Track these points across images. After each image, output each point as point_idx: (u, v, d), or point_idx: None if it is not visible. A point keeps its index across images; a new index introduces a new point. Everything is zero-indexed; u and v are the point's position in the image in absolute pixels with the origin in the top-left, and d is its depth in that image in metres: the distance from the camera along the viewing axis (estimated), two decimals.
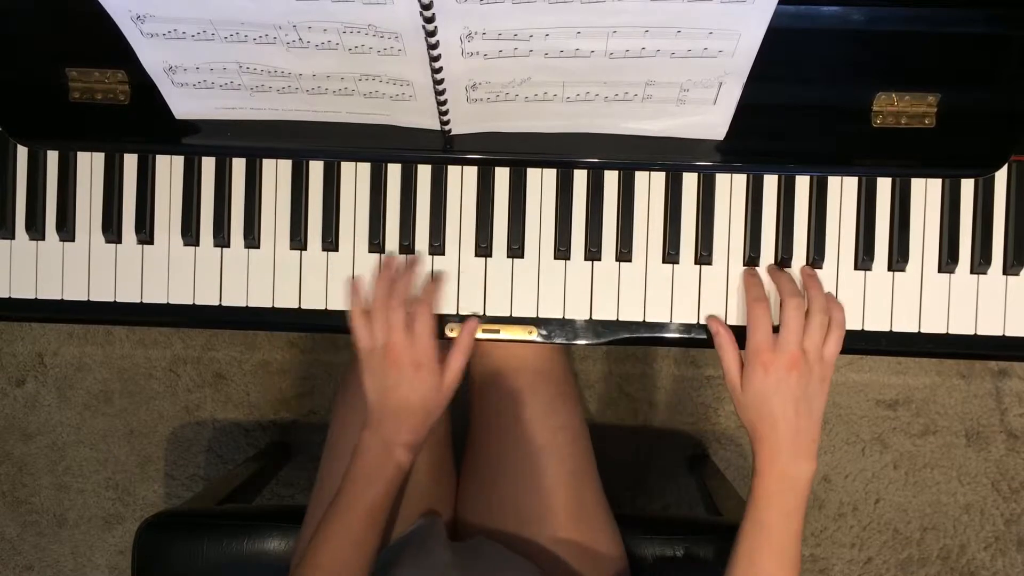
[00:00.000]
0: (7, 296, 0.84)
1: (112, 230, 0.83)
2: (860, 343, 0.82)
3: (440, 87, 0.71)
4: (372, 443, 0.80)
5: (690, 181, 0.82)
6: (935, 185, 0.81)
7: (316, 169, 0.83)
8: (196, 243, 0.83)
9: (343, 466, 0.81)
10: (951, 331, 0.81)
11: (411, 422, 0.80)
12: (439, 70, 0.69)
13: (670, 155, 0.78)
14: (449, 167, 0.82)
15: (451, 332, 0.82)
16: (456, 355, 0.81)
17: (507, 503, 0.94)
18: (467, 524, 0.97)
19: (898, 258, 0.81)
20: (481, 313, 0.82)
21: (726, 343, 0.79)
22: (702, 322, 0.82)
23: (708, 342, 0.81)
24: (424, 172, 0.83)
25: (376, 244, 0.82)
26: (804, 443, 0.75)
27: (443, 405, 0.82)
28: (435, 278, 0.83)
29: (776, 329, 0.76)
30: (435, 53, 0.67)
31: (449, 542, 0.90)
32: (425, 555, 0.85)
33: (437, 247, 0.82)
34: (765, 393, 0.75)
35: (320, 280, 0.83)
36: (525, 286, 0.82)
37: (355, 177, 0.83)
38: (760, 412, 0.75)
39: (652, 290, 0.82)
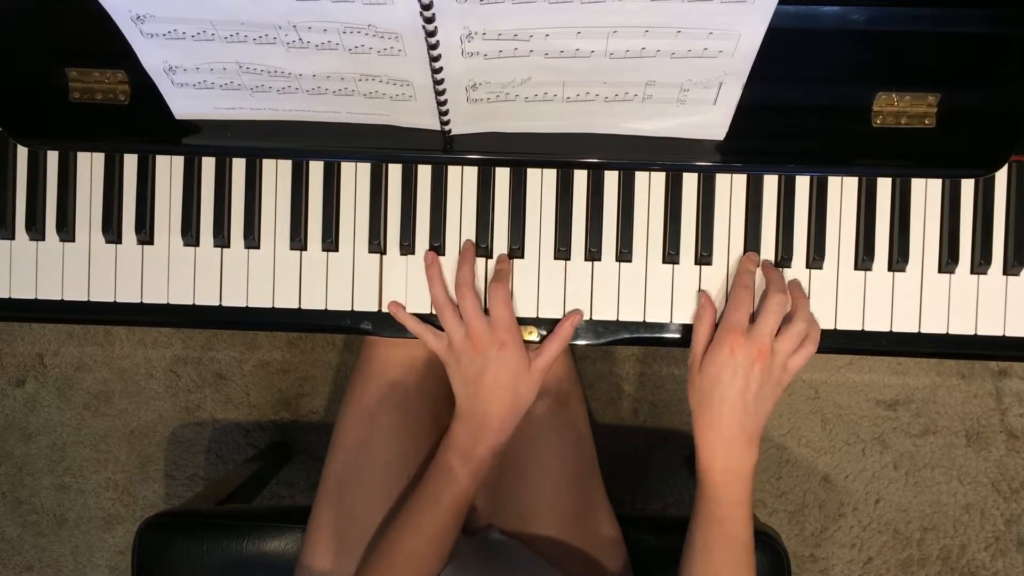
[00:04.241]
0: (7, 296, 0.84)
1: (112, 230, 0.83)
2: (860, 343, 0.82)
3: (440, 87, 0.71)
4: (462, 437, 0.79)
5: (690, 181, 0.82)
6: (935, 185, 0.81)
7: (316, 169, 0.83)
8: (196, 243, 0.83)
9: (351, 463, 0.80)
10: (951, 331, 0.81)
11: (502, 408, 0.78)
12: (439, 70, 0.69)
13: (670, 155, 0.78)
14: (449, 167, 0.82)
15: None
16: (553, 340, 0.80)
17: (510, 502, 0.94)
18: (471, 522, 0.97)
19: (898, 258, 0.81)
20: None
21: (706, 315, 0.78)
22: None
23: None
24: (424, 172, 0.83)
25: (376, 244, 0.82)
26: (746, 438, 0.74)
27: (534, 388, 0.80)
28: (500, 260, 0.81)
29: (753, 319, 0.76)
30: (435, 53, 0.67)
31: (464, 537, 0.90)
32: (452, 553, 0.85)
33: (437, 247, 0.82)
34: (722, 376, 0.74)
35: (320, 280, 0.83)
36: (525, 286, 0.82)
37: (355, 177, 0.83)
38: (711, 396, 0.74)
39: (652, 290, 0.82)
